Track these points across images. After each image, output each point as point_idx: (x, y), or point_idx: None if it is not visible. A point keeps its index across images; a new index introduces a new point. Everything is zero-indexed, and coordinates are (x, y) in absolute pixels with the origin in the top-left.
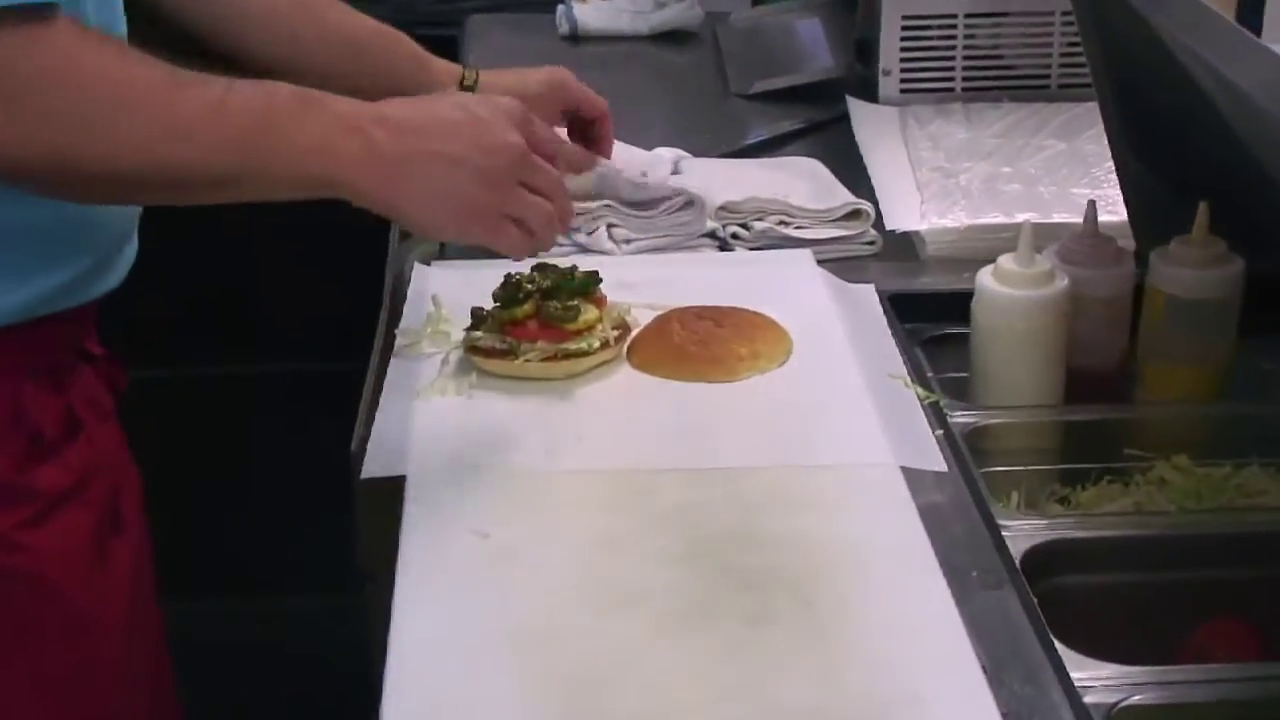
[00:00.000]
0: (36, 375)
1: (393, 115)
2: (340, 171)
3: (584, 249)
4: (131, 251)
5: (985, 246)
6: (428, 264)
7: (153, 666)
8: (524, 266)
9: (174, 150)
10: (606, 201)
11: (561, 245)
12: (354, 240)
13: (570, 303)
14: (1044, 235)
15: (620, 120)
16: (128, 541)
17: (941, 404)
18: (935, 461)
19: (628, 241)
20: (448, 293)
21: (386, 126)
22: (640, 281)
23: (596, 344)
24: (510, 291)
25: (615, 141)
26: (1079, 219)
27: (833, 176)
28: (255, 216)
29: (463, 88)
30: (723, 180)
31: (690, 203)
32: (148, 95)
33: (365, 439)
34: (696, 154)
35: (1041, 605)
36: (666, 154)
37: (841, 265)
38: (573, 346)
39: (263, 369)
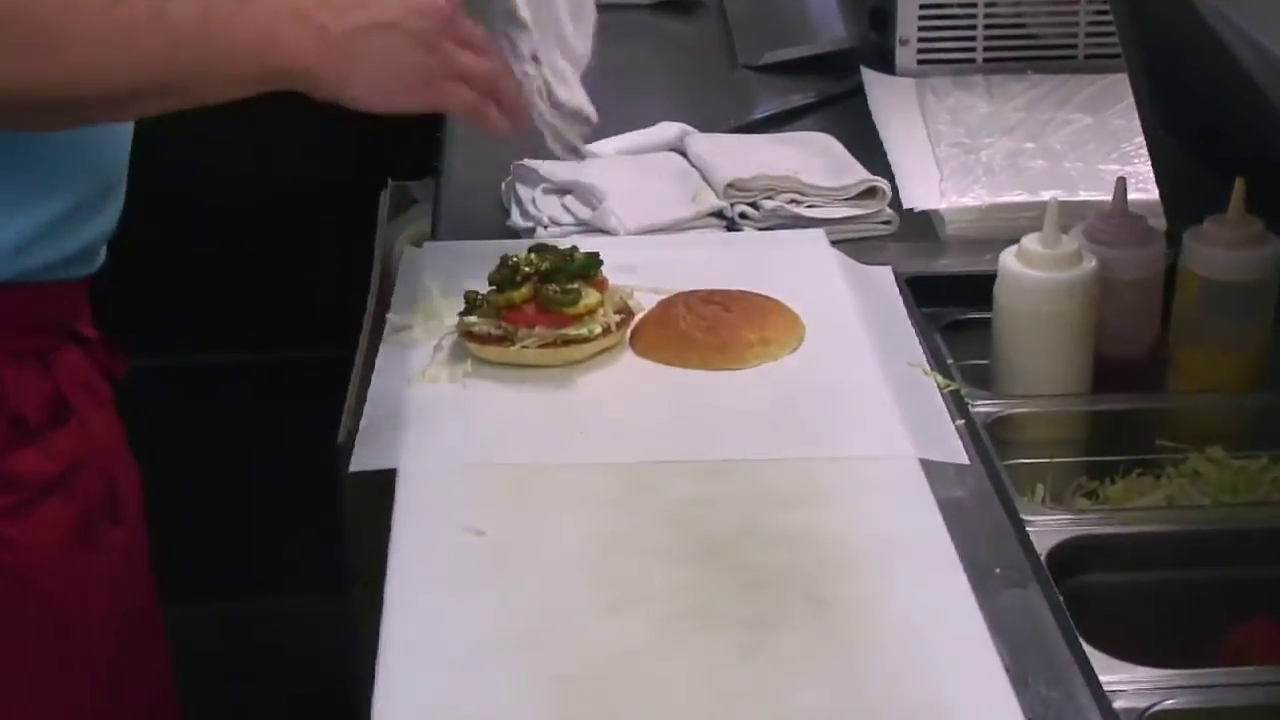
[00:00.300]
0: (21, 356)
1: None
2: (294, 61)
3: (586, 227)
4: (119, 201)
5: (1008, 226)
6: (419, 245)
7: (150, 669)
8: (521, 248)
9: (120, 62)
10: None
11: (561, 225)
12: (340, 219)
13: (570, 286)
14: (1070, 214)
15: (622, 95)
16: (122, 538)
17: (962, 393)
18: (956, 453)
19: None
20: (440, 275)
21: (330, 7)
22: (643, 263)
23: (598, 329)
24: (506, 274)
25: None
26: (1107, 197)
27: (847, 152)
28: (236, 194)
29: None
30: (730, 156)
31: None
32: (90, 13)
33: (354, 430)
34: (702, 129)
35: (1068, 604)
36: (671, 129)
37: (856, 246)
38: (572, 332)
39: (242, 357)
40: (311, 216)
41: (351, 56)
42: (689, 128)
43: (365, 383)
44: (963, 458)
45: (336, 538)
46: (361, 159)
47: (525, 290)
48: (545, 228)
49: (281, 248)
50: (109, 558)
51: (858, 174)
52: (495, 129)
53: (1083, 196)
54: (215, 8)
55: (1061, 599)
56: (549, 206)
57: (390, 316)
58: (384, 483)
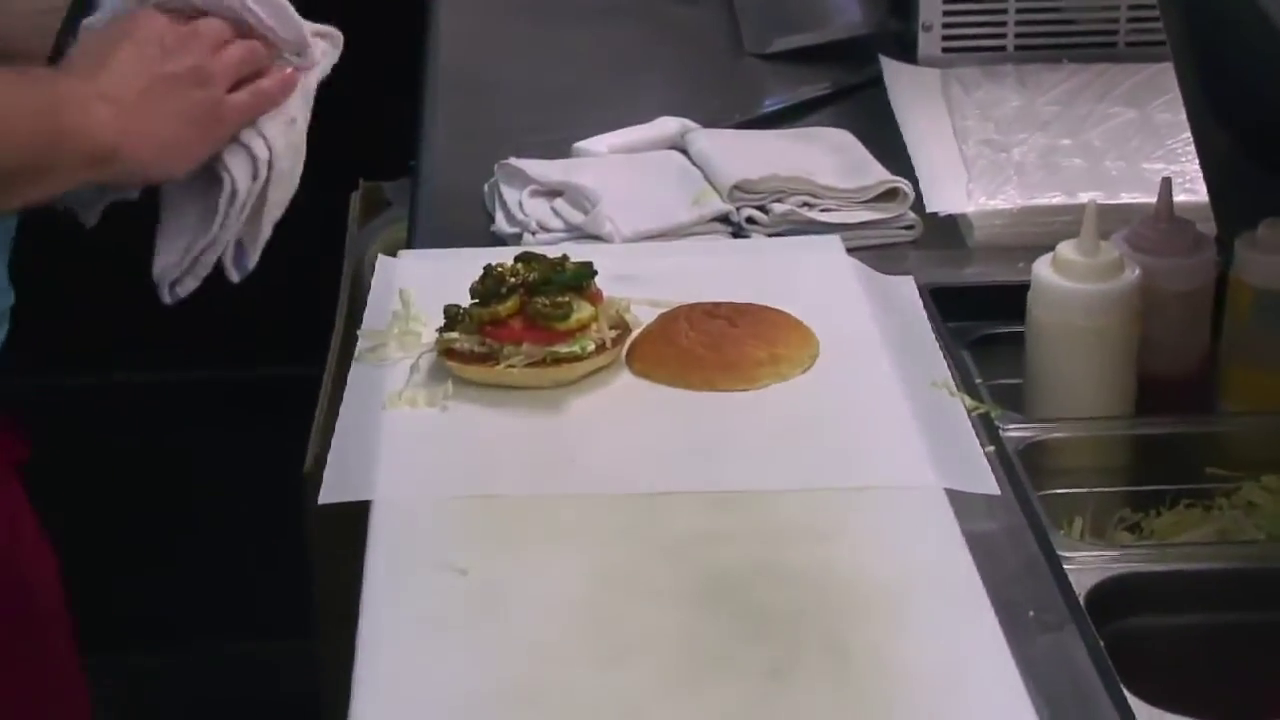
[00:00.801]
0: None
1: (99, 64)
2: (95, 145)
3: (578, 233)
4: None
5: (1042, 232)
6: (393, 254)
7: None
8: (506, 257)
9: None
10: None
11: (551, 231)
12: (304, 223)
13: (560, 299)
14: (1111, 218)
15: (616, 86)
16: (34, 647)
17: (992, 416)
18: (986, 483)
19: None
20: (417, 287)
21: (104, 76)
22: (641, 274)
23: (591, 347)
24: (490, 286)
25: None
26: (1151, 199)
27: (865, 150)
28: None
29: None
30: (736, 155)
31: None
32: None
33: (322, 458)
34: (705, 124)
35: (1110, 649)
36: (670, 124)
37: (875, 254)
38: (563, 350)
39: (198, 375)
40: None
41: (148, 125)
42: (690, 123)
43: (334, 406)
44: (993, 488)
45: (303, 576)
46: (327, 156)
47: (511, 303)
48: (533, 234)
49: None
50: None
51: (877, 174)
52: (275, 101)
53: (1124, 199)
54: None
55: (1102, 644)
56: (537, 210)
57: (361, 332)
58: (356, 516)
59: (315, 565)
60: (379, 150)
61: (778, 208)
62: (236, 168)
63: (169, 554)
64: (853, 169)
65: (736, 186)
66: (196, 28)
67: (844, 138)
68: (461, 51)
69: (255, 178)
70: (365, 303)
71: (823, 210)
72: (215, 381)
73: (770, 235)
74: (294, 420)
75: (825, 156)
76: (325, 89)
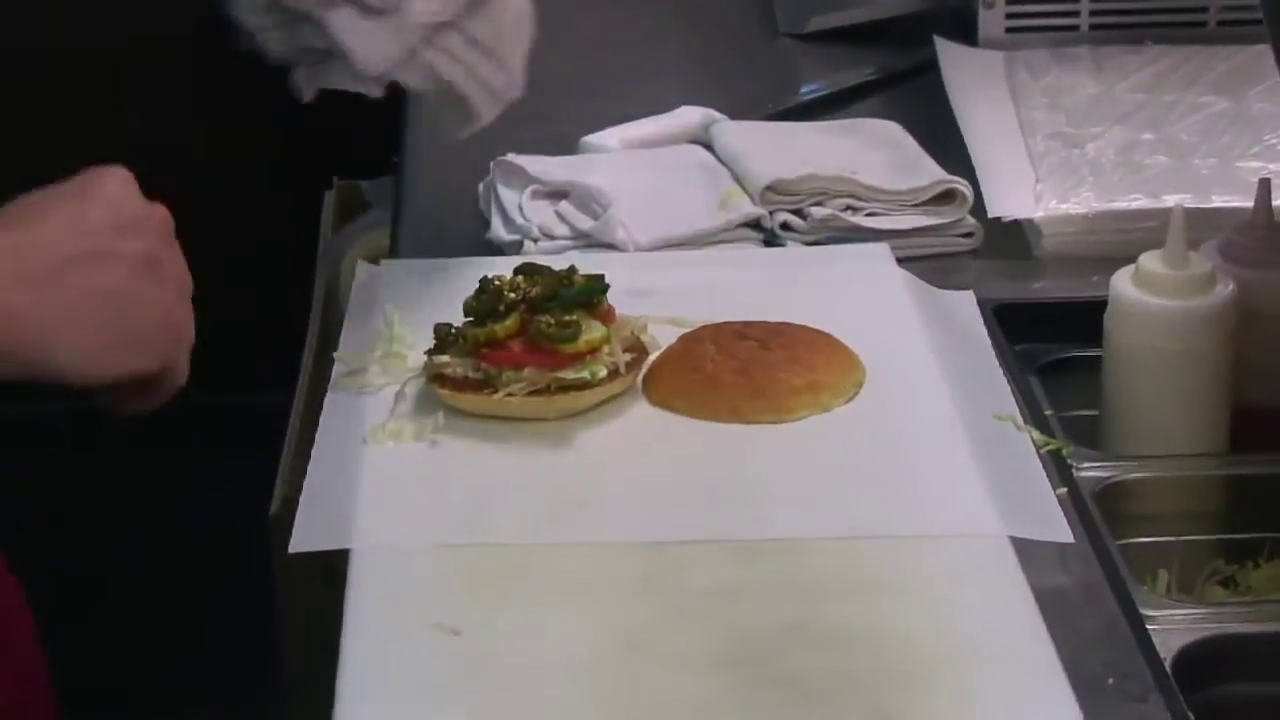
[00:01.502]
0: None
1: (22, 221)
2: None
3: (587, 241)
4: None
5: (1121, 240)
6: (376, 262)
7: None
8: (505, 269)
9: None
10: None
11: (556, 238)
12: (269, 227)
13: (567, 317)
14: (1201, 225)
15: (632, 71)
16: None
17: (1065, 453)
18: (1057, 530)
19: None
20: (403, 302)
21: (22, 234)
22: (661, 288)
23: (602, 373)
24: (488, 302)
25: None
26: (1247, 202)
27: (918, 146)
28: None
29: None
30: (769, 150)
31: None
32: None
33: (291, 500)
34: (733, 115)
35: None
36: (693, 115)
37: (930, 265)
38: (570, 376)
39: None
40: (232, 224)
41: (61, 310)
42: (716, 114)
43: (307, 439)
44: (1066, 535)
45: (268, 638)
46: (296, 150)
47: (510, 322)
48: (535, 241)
49: (191, 266)
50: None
51: (932, 173)
52: None
53: (1216, 202)
54: None
55: (1191, 716)
56: (540, 214)
57: (338, 355)
58: (332, 567)
59: (283, 624)
60: (356, 144)
61: (817, 212)
62: None
63: (110, 610)
64: (904, 167)
65: (769, 187)
66: (166, 206)
67: (894, 131)
68: None
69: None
70: (341, 320)
71: (869, 215)
72: (163, 410)
73: (809, 244)
74: (258, 456)
75: (872, 153)
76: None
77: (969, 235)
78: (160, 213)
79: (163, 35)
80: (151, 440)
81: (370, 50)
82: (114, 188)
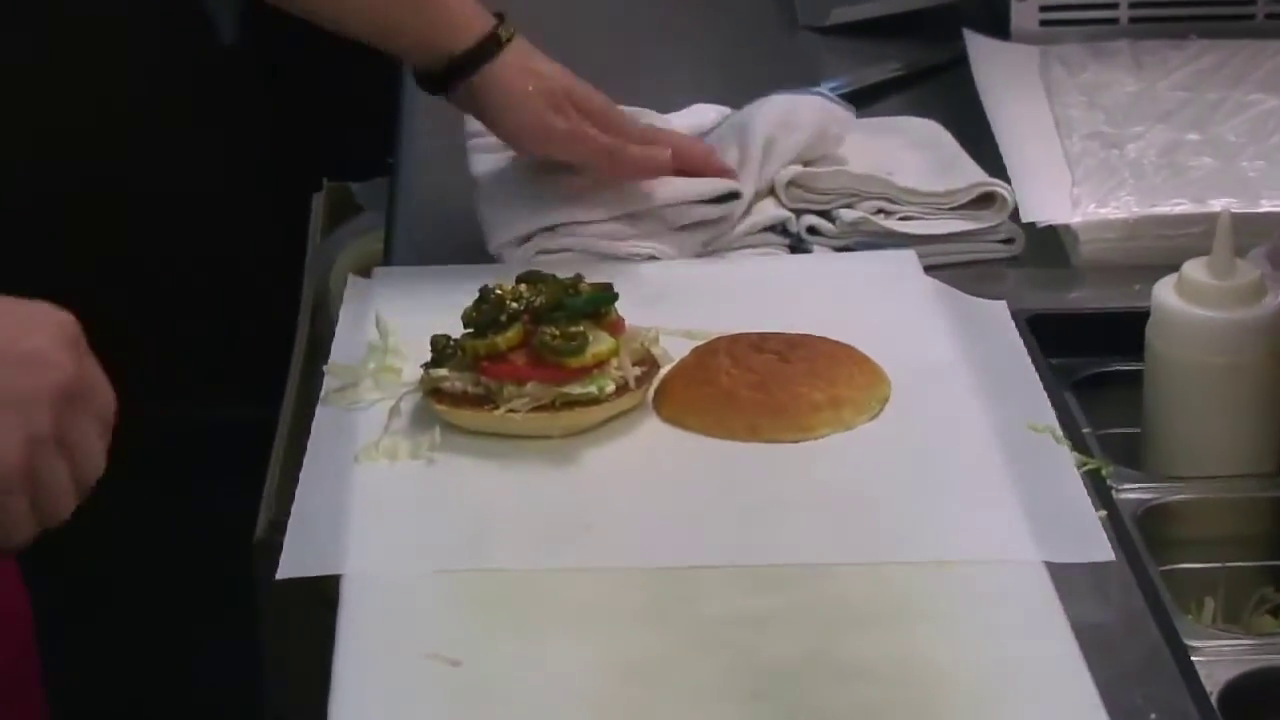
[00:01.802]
0: None
1: None
2: None
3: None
4: None
5: (1164, 247)
6: (367, 272)
7: None
8: (507, 276)
9: None
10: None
11: (558, 242)
12: (254, 231)
13: (573, 328)
14: (1249, 230)
15: (641, 66)
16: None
17: (1104, 473)
18: (1096, 555)
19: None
20: (397, 312)
21: None
22: (673, 297)
23: (610, 388)
24: (489, 312)
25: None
26: None
27: (957, 145)
28: (105, 189)
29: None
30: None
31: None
32: None
33: (279, 523)
34: None
35: None
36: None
37: (963, 273)
38: (577, 391)
39: (127, 417)
40: (211, 227)
41: None
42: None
43: (295, 458)
44: (1106, 555)
45: (253, 669)
46: (284, 150)
47: (513, 334)
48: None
49: (171, 271)
50: None
51: (971, 175)
52: None
53: (1265, 207)
54: None
55: None
56: None
57: (328, 368)
58: (321, 595)
59: (269, 656)
60: (348, 143)
61: (847, 215)
62: None
63: (87, 638)
64: (941, 168)
65: (795, 183)
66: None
67: (934, 130)
68: None
69: None
70: (332, 331)
71: (903, 219)
72: (140, 426)
73: (837, 249)
74: (240, 477)
75: (909, 153)
76: (284, 65)
77: (1009, 241)
78: (105, 382)
79: (131, 16)
80: (125, 460)
81: None
82: (53, 326)
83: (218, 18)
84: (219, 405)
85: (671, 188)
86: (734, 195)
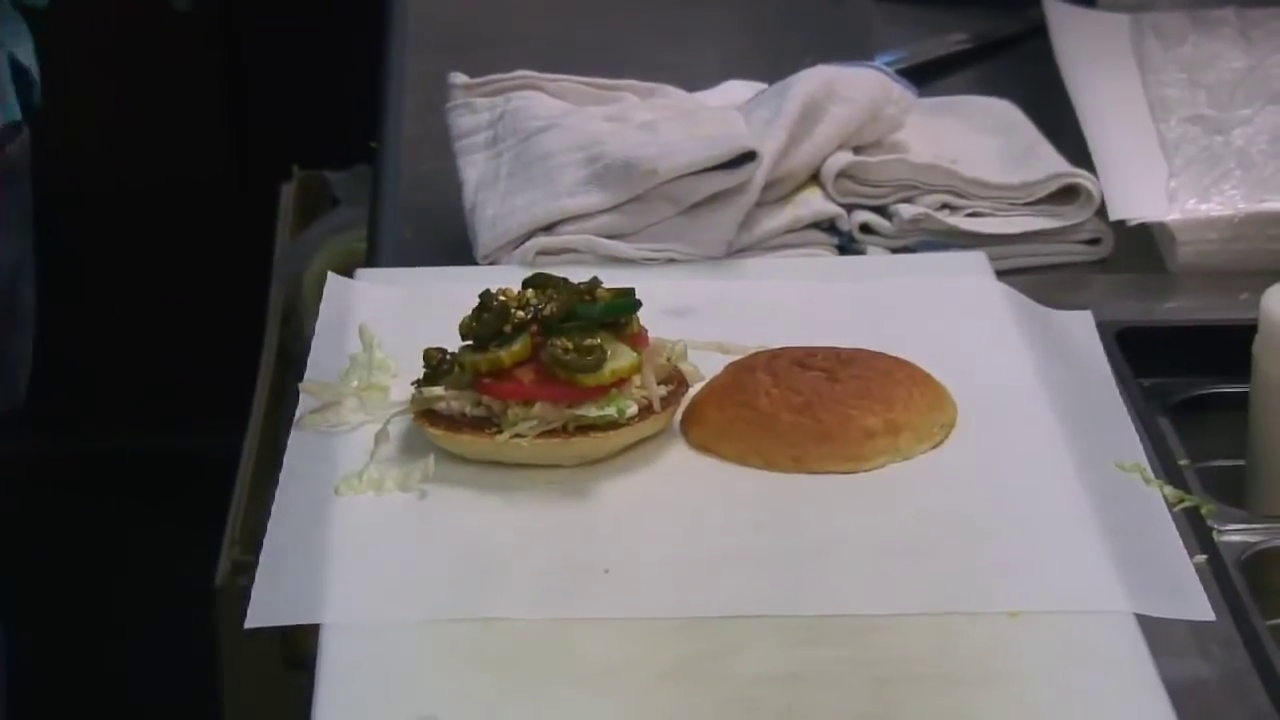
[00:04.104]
0: None
1: None
2: None
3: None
4: None
5: (1277, 250)
6: (348, 273)
7: None
8: (513, 280)
9: None
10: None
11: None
12: (213, 226)
13: (589, 341)
14: None
15: (664, 39)
16: None
17: (1205, 512)
18: (1195, 607)
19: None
20: (384, 321)
21: None
22: (704, 305)
23: (632, 409)
24: (491, 322)
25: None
26: None
27: (1036, 130)
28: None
29: None
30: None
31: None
32: None
33: (245, 565)
34: None
35: None
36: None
37: (1042, 279)
38: (593, 414)
39: (66, 447)
40: (164, 225)
41: None
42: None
43: (262, 491)
44: (1206, 613)
45: None
46: (249, 132)
47: (519, 347)
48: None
49: (112, 275)
50: None
51: (1051, 164)
52: None
53: None
54: None
55: None
56: None
57: (305, 386)
58: (293, 647)
59: (230, 715)
60: (323, 126)
61: (906, 210)
62: None
63: (35, 691)
64: (1017, 157)
65: (845, 174)
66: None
67: (1008, 111)
68: None
69: None
70: (305, 344)
71: (970, 215)
72: (89, 456)
73: (895, 250)
74: (202, 511)
75: (977, 138)
76: (246, 33)
77: (1095, 242)
78: None
79: None
80: (75, 491)
81: None
82: None
83: None
84: (174, 433)
85: (674, 154)
86: (749, 156)
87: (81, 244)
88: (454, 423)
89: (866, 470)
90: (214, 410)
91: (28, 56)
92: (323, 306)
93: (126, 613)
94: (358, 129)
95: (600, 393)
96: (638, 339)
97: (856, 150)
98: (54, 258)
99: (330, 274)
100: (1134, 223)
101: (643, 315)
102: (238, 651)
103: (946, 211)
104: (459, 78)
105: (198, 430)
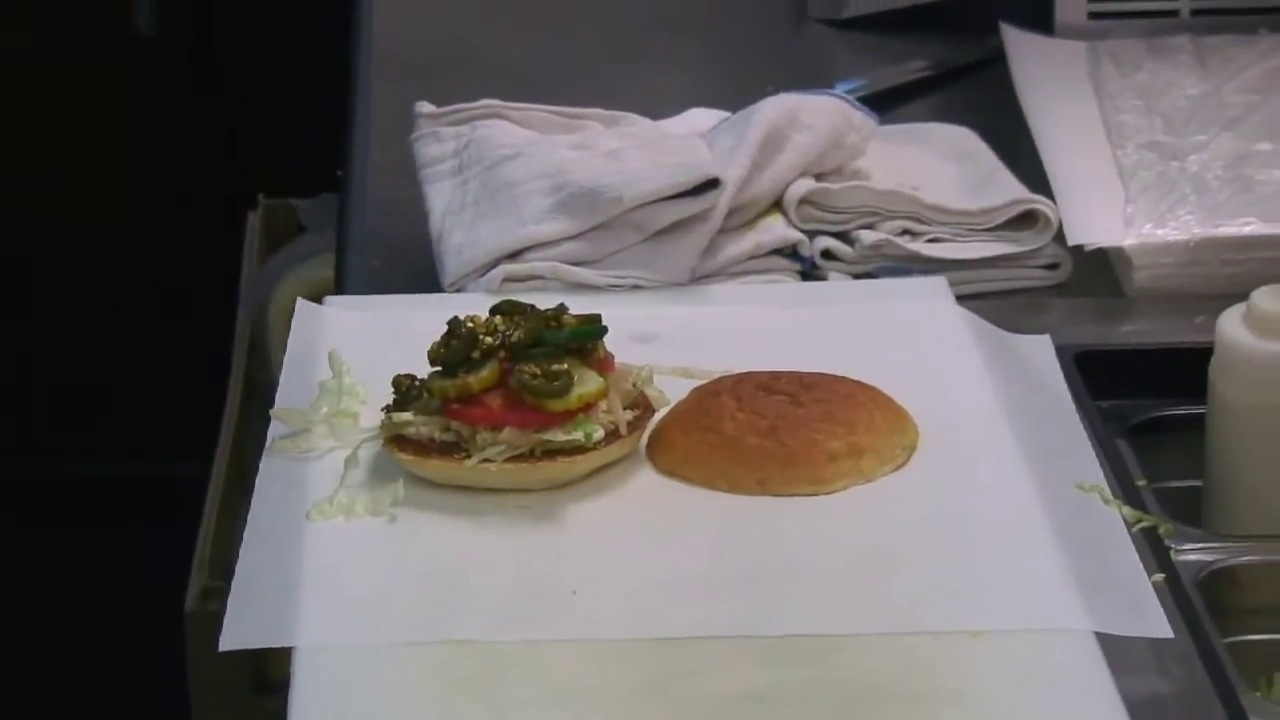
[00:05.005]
0: None
1: None
2: None
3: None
4: None
5: (1231, 274)
6: (317, 300)
7: None
8: (480, 307)
9: None
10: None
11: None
12: (178, 255)
13: (556, 367)
14: None
15: (628, 66)
16: None
17: (1162, 532)
18: (1154, 625)
19: None
20: (353, 348)
21: None
22: (669, 331)
23: (598, 434)
24: (459, 349)
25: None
26: None
27: (995, 157)
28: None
29: None
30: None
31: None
32: None
33: (214, 591)
34: None
35: None
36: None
37: (1002, 303)
38: (561, 438)
39: (29, 474)
40: (130, 253)
41: None
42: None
43: (228, 517)
44: (1164, 631)
45: None
46: (214, 160)
47: (487, 373)
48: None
49: (77, 305)
50: None
51: (1009, 191)
52: None
53: None
54: None
55: None
56: None
57: (276, 413)
58: (262, 671)
59: None
60: (289, 152)
61: (867, 236)
62: None
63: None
64: (977, 183)
65: (807, 200)
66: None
67: (963, 138)
68: (407, 16)
69: None
70: (272, 372)
71: (931, 241)
72: (53, 483)
73: (857, 275)
74: (168, 537)
75: (937, 164)
76: (213, 59)
77: (1053, 267)
78: None
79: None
80: (40, 520)
81: None
82: None
83: (136, 3)
84: (141, 460)
85: (638, 182)
86: (713, 183)
87: (43, 270)
88: (423, 448)
89: (830, 492)
90: (181, 438)
91: None
92: (292, 332)
93: (95, 639)
94: (324, 157)
95: (567, 417)
96: (604, 364)
97: (818, 177)
98: (13, 285)
99: (300, 300)
100: (1091, 248)
101: (609, 341)
102: (208, 676)
103: (907, 237)
104: (425, 107)
105: (165, 459)
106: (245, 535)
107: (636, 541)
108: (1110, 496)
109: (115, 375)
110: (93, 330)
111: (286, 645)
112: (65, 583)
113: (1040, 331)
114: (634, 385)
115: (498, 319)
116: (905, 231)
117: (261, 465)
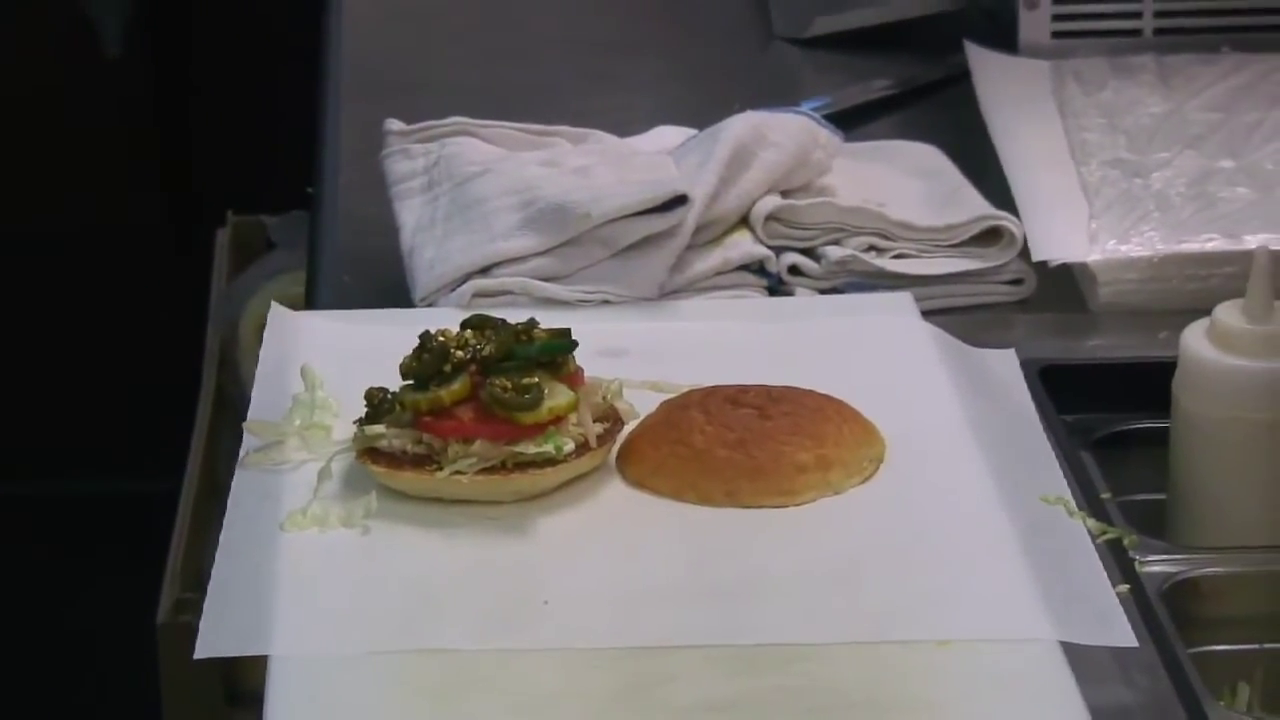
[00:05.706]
0: None
1: None
2: None
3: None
4: None
5: (1194, 289)
6: (293, 309)
7: None
8: (451, 321)
9: None
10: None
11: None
12: (148, 272)
13: (526, 380)
14: None
15: (595, 84)
16: None
17: (1127, 544)
18: (1119, 635)
19: None
20: (326, 362)
21: None
22: (638, 345)
23: (569, 446)
24: (431, 362)
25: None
26: None
27: (960, 174)
28: None
29: None
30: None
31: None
32: None
33: (187, 603)
34: None
35: None
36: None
37: (967, 318)
38: (531, 451)
39: (8, 490)
40: (99, 270)
41: None
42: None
43: (202, 531)
44: (1129, 640)
45: None
46: (183, 177)
47: (458, 386)
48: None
49: (46, 322)
50: None
51: (974, 208)
52: None
53: None
54: None
55: None
56: None
57: (249, 425)
58: (234, 682)
59: None
60: (259, 170)
61: (833, 252)
62: None
63: None
64: (941, 199)
65: (774, 217)
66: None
67: (928, 155)
68: (376, 35)
69: None
70: (243, 386)
71: (897, 257)
72: (23, 499)
73: (823, 291)
74: (140, 553)
75: (902, 180)
76: (180, 78)
77: (1018, 283)
78: None
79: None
80: (12, 536)
81: None
82: None
83: (101, 24)
84: (111, 476)
85: (606, 198)
86: (681, 200)
87: (11, 287)
88: (395, 460)
89: (798, 504)
90: (151, 454)
91: None
92: (265, 338)
93: (68, 654)
94: (293, 174)
95: (538, 430)
96: (574, 378)
97: (785, 194)
98: None
99: (274, 304)
100: (1056, 263)
101: (578, 355)
102: (180, 689)
103: (873, 253)
104: (394, 124)
105: (135, 475)
106: (220, 545)
107: (607, 552)
108: (1075, 509)
109: (85, 391)
110: (62, 347)
111: (261, 654)
112: (38, 598)
113: (1005, 346)
114: (604, 399)
115: (469, 333)
116: (871, 248)
117: (236, 477)
